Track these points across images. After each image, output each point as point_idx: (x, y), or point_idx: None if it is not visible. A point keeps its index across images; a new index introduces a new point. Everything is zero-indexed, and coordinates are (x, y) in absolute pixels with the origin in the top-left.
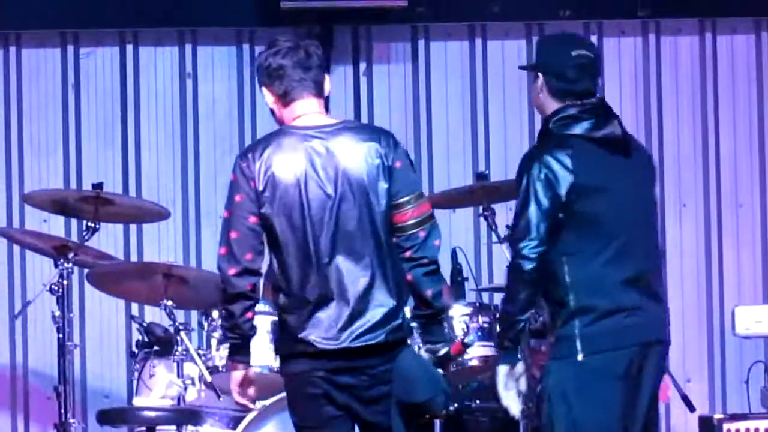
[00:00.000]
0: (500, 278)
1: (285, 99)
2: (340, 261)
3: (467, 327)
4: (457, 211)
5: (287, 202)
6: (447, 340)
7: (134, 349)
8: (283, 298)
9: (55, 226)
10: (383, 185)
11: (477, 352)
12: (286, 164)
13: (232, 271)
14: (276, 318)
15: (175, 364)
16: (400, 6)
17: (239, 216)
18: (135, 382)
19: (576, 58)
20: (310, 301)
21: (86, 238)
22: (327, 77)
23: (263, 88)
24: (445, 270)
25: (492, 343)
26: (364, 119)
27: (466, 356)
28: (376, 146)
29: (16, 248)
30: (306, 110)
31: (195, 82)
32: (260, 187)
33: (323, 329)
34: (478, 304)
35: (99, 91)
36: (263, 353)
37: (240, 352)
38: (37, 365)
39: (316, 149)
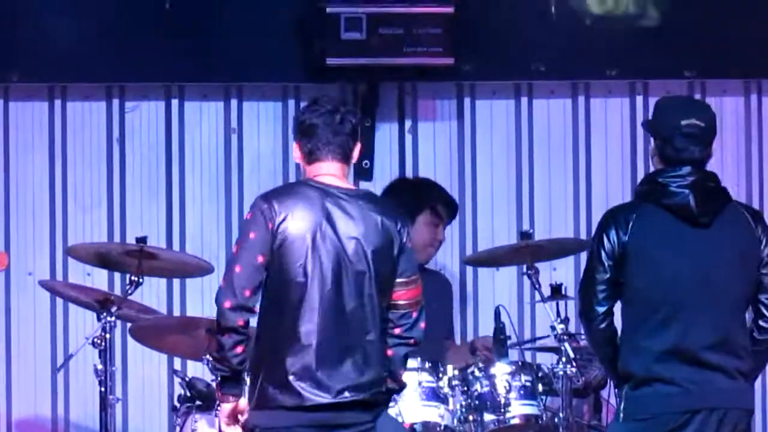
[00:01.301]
0: (543, 337)
1: (309, 157)
2: (343, 318)
3: (509, 385)
4: (501, 269)
5: (297, 251)
6: None
7: (176, 403)
8: (269, 347)
9: (99, 279)
10: (394, 259)
11: (518, 410)
12: (304, 215)
13: (227, 304)
14: None
15: (216, 420)
16: (446, 64)
17: (249, 252)
18: None
19: (685, 127)
20: (304, 353)
21: (129, 291)
22: (358, 145)
23: (294, 142)
24: (488, 328)
25: (534, 402)
26: (409, 176)
27: (508, 414)
28: (394, 221)
29: (59, 301)
30: (327, 171)
31: (240, 137)
32: (276, 230)
33: (315, 382)
34: (520, 363)
35: (144, 145)
36: None
37: (229, 384)
38: (78, 419)
39: (336, 208)
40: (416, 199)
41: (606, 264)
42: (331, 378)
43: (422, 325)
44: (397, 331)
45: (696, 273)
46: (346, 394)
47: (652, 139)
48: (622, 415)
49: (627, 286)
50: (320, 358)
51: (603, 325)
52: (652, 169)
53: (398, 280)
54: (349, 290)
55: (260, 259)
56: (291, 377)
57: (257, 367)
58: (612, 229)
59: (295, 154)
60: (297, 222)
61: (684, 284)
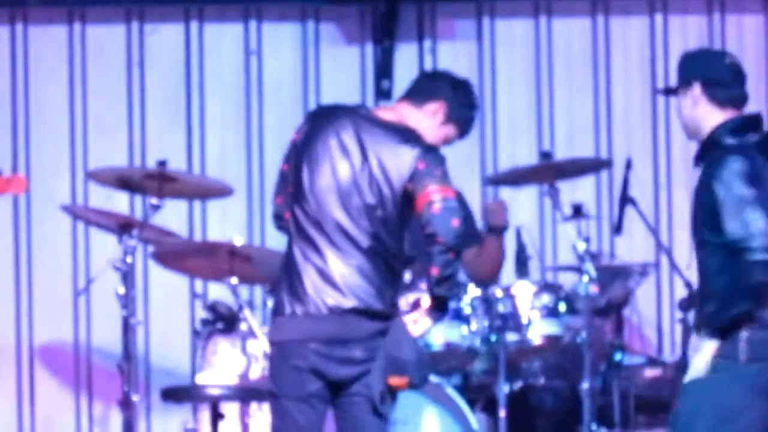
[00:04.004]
0: (564, 257)
1: None
2: (348, 231)
3: (531, 305)
4: (522, 189)
5: (311, 162)
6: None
7: (198, 326)
8: (287, 255)
9: (120, 203)
10: (405, 179)
11: (541, 330)
12: (326, 128)
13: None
14: None
15: (238, 342)
16: None
17: (282, 162)
18: (198, 360)
19: (729, 64)
20: (310, 264)
21: (150, 215)
22: (437, 104)
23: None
24: (510, 248)
25: (556, 322)
26: None
27: (530, 334)
28: (410, 147)
29: (80, 225)
30: (392, 105)
31: (260, 59)
32: (299, 140)
33: (322, 292)
34: (542, 283)
35: (163, 69)
36: None
37: None
38: (100, 342)
39: (356, 127)
40: None
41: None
42: (334, 291)
43: (453, 223)
44: (427, 230)
45: None
46: (352, 304)
47: (693, 89)
48: (744, 356)
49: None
50: (326, 270)
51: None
52: (675, 119)
53: (411, 194)
54: (354, 203)
55: (284, 166)
56: (300, 286)
57: (280, 274)
58: (747, 163)
59: None
60: (317, 133)
61: None
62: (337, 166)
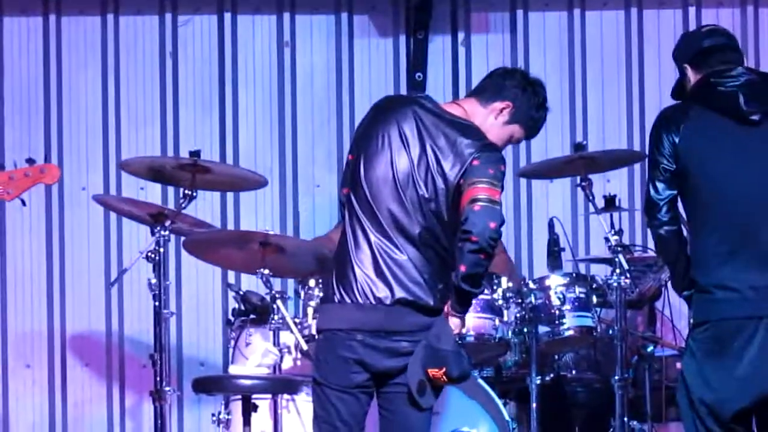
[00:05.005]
0: (596, 249)
1: None
2: (400, 224)
3: (563, 297)
4: (554, 181)
5: (369, 152)
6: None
7: (230, 317)
8: (342, 243)
9: (152, 193)
10: (456, 174)
11: (573, 322)
12: (388, 118)
13: None
14: None
15: (271, 333)
16: None
17: (348, 153)
18: (231, 351)
19: (707, 35)
20: (363, 256)
21: (183, 205)
22: (503, 103)
23: None
24: (542, 240)
25: (588, 314)
26: (462, 89)
27: (562, 326)
28: (469, 143)
29: (113, 215)
30: (459, 100)
31: (293, 50)
32: (359, 129)
33: (371, 284)
34: (574, 275)
35: (197, 59)
36: None
37: None
38: (132, 333)
39: (418, 118)
40: None
41: (661, 160)
42: (383, 282)
43: (491, 225)
44: (463, 226)
45: (747, 173)
46: (400, 296)
47: (685, 70)
48: (692, 321)
49: (687, 191)
50: (376, 260)
51: (666, 218)
52: None
53: (461, 189)
54: (409, 195)
55: (349, 156)
56: (349, 275)
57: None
58: (664, 130)
59: None
60: (376, 121)
61: (734, 185)
62: (395, 157)
